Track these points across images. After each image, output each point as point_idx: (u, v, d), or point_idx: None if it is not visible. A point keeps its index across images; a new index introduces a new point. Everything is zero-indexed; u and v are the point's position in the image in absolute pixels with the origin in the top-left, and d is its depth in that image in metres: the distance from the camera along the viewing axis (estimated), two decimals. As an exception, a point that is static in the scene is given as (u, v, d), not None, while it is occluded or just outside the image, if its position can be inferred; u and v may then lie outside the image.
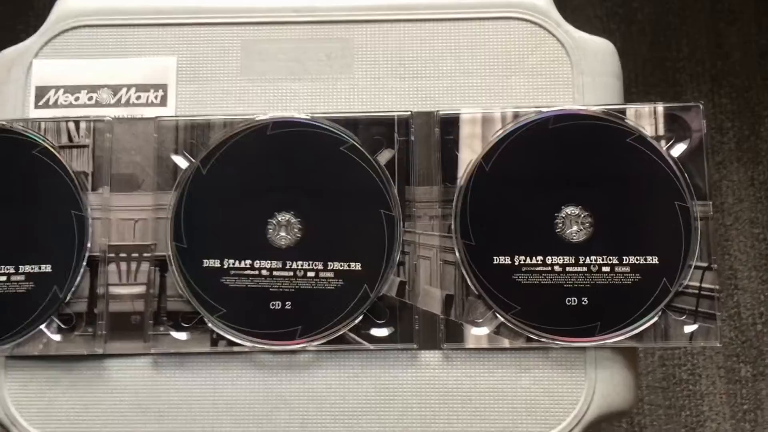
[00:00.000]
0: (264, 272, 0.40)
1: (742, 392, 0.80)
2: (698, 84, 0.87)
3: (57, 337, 0.40)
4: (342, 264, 0.40)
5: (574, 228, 0.39)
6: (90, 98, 0.43)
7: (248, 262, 0.40)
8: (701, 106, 0.40)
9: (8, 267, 0.40)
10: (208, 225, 0.40)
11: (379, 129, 0.41)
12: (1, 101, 0.43)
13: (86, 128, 0.42)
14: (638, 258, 0.38)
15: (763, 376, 0.80)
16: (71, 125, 0.42)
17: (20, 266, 0.40)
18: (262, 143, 0.41)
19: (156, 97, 0.43)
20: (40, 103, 0.43)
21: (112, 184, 0.41)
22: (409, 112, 0.41)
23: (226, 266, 0.40)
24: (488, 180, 0.40)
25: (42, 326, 0.40)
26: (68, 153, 0.42)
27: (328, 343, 0.39)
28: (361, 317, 0.39)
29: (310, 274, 0.40)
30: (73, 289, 0.40)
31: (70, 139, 0.42)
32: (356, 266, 0.40)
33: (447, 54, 0.43)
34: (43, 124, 0.42)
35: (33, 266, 0.40)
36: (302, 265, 0.40)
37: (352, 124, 0.41)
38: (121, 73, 0.43)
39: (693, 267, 0.38)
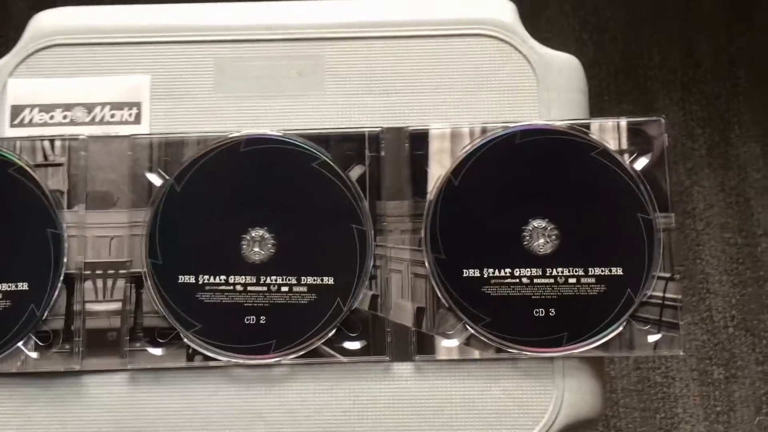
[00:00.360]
0: (238, 287, 0.40)
1: (715, 394, 0.81)
2: (669, 92, 0.88)
3: (34, 355, 0.40)
4: (315, 278, 0.40)
5: (541, 240, 0.39)
6: (65, 117, 0.43)
7: (223, 277, 0.40)
8: (663, 120, 0.40)
9: (-16, 285, 0.40)
10: (183, 241, 0.40)
11: (351, 145, 0.41)
12: None
13: (61, 146, 0.42)
14: (603, 269, 0.39)
15: (735, 378, 0.81)
16: (46, 144, 0.42)
17: (-4, 285, 0.40)
18: (235, 160, 0.41)
19: (130, 115, 0.43)
20: (15, 122, 0.43)
21: (87, 201, 0.41)
22: (379, 128, 0.41)
23: (201, 282, 0.40)
24: (457, 194, 0.40)
25: (19, 344, 0.40)
26: (43, 171, 0.42)
27: (303, 356, 0.39)
28: (334, 331, 0.39)
29: (284, 288, 0.40)
30: (50, 306, 0.40)
31: (45, 157, 0.42)
32: (329, 280, 0.40)
33: (416, 70, 0.43)
34: (18, 143, 0.42)
35: (9, 284, 0.40)
36: (276, 280, 0.40)
37: (323, 140, 0.41)
38: (96, 92, 0.43)
39: (656, 278, 0.39)
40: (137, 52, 0.44)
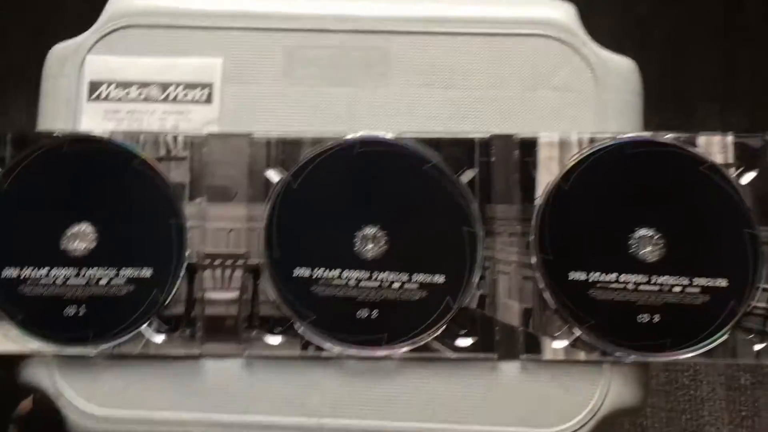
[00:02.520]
0: (351, 282, 0.38)
1: (741, 399, 0.78)
2: (709, 102, 0.84)
3: (157, 338, 0.38)
4: (426, 276, 0.38)
5: (648, 249, 0.37)
6: (140, 94, 0.41)
7: (337, 272, 0.38)
8: (768, 136, 0.38)
9: (110, 270, 0.39)
10: (299, 236, 0.39)
11: (461, 150, 0.39)
12: (55, 94, 0.42)
13: (183, 142, 0.40)
14: (708, 280, 0.37)
15: (762, 384, 0.79)
16: (169, 138, 0.40)
17: (121, 270, 0.39)
18: (350, 160, 0.39)
19: (202, 95, 0.41)
20: (93, 97, 0.41)
21: (207, 195, 0.40)
22: (489, 135, 0.39)
23: (315, 276, 0.38)
24: (566, 200, 0.38)
25: (143, 327, 0.38)
26: (166, 165, 0.40)
27: (412, 351, 0.38)
28: (443, 327, 0.38)
29: (396, 285, 0.38)
30: (172, 293, 0.39)
31: (168, 151, 0.40)
32: (439, 279, 0.38)
33: (477, 66, 0.41)
34: (142, 137, 0.40)
35: (134, 270, 0.39)
36: (388, 277, 0.38)
37: (435, 144, 0.39)
38: (170, 71, 0.42)
39: (761, 289, 0.37)
40: (211, 36, 0.42)
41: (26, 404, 0.71)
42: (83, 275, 0.39)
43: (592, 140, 0.39)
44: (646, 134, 0.39)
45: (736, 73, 0.87)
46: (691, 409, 0.77)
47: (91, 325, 0.38)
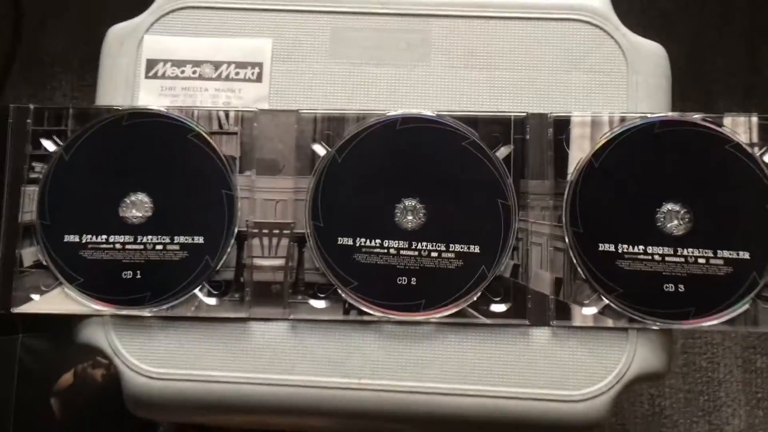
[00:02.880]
0: (392, 251, 0.40)
1: (757, 381, 0.79)
2: (730, 95, 0.85)
3: (209, 301, 0.40)
4: (462, 246, 0.40)
5: (675, 222, 0.39)
6: (194, 72, 0.43)
7: (378, 241, 0.40)
8: (791, 118, 0.39)
9: (165, 237, 0.41)
10: (343, 207, 0.41)
11: (497, 127, 0.41)
12: (114, 71, 0.44)
13: (235, 117, 0.42)
14: (731, 252, 0.38)
15: (778, 367, 0.80)
16: (221, 114, 0.42)
17: (176, 237, 0.41)
18: (391, 136, 0.41)
19: (253, 74, 0.43)
20: (150, 74, 0.43)
21: (257, 167, 0.41)
22: (524, 113, 0.41)
23: (357, 244, 0.40)
24: (596, 176, 0.40)
25: (195, 291, 0.40)
26: (218, 139, 0.42)
27: (449, 316, 0.39)
28: (479, 294, 0.39)
29: (434, 254, 0.40)
30: (222, 259, 0.41)
31: (220, 126, 0.42)
32: (475, 249, 0.40)
33: (514, 49, 0.43)
34: (196, 112, 0.42)
35: (187, 237, 0.41)
36: (426, 246, 0.40)
37: (472, 122, 0.41)
38: (222, 51, 0.43)
39: (781, 262, 0.38)
40: (261, 18, 0.44)
41: (67, 378, 0.73)
42: (140, 241, 0.41)
43: (622, 119, 0.40)
44: (675, 114, 0.40)
45: (759, 69, 0.88)
46: (708, 391, 0.78)
47: (146, 288, 0.40)
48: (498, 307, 0.39)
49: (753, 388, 0.79)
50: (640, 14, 0.86)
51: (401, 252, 0.40)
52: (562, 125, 0.41)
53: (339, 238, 0.40)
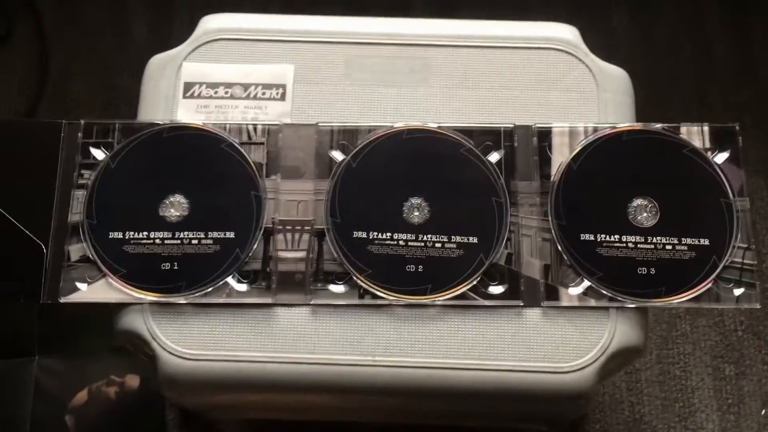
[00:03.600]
0: (401, 243, 0.44)
1: (727, 388, 0.83)
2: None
3: (239, 288, 0.44)
4: (462, 238, 0.44)
5: (644, 215, 0.44)
6: (226, 92, 0.49)
7: (388, 234, 0.44)
8: (737, 127, 0.45)
9: (199, 233, 0.45)
10: (357, 205, 0.45)
11: (489, 137, 0.46)
12: (156, 92, 0.49)
13: (262, 130, 0.47)
14: (694, 240, 0.43)
15: (744, 375, 0.84)
16: (250, 127, 0.47)
17: (209, 232, 0.45)
18: (399, 144, 0.46)
19: (277, 94, 0.48)
20: (187, 95, 0.48)
21: (281, 173, 0.46)
22: (512, 125, 0.46)
23: (371, 237, 0.44)
24: (576, 177, 0.45)
25: (228, 279, 0.44)
26: (248, 148, 0.47)
27: (452, 299, 0.43)
28: (478, 279, 0.44)
29: (438, 245, 0.44)
30: (251, 252, 0.45)
31: (249, 137, 0.47)
32: (473, 240, 0.44)
33: (501, 73, 0.49)
34: (228, 126, 0.47)
35: (220, 233, 0.45)
36: (431, 238, 0.44)
37: (468, 132, 0.46)
38: (251, 75, 0.49)
39: (736, 247, 0.43)
40: (285, 48, 0.50)
41: (82, 396, 0.74)
42: (177, 237, 0.45)
43: (595, 129, 0.46)
44: (639, 124, 0.46)
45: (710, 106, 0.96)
46: (683, 398, 0.81)
47: (183, 278, 0.44)
48: (495, 290, 0.44)
49: (723, 395, 0.82)
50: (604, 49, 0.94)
51: (409, 243, 0.44)
52: (545, 134, 0.46)
53: (354, 232, 0.45)
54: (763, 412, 0.83)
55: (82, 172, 0.46)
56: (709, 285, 0.42)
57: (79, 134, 0.47)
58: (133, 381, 0.74)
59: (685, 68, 0.97)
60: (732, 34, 0.96)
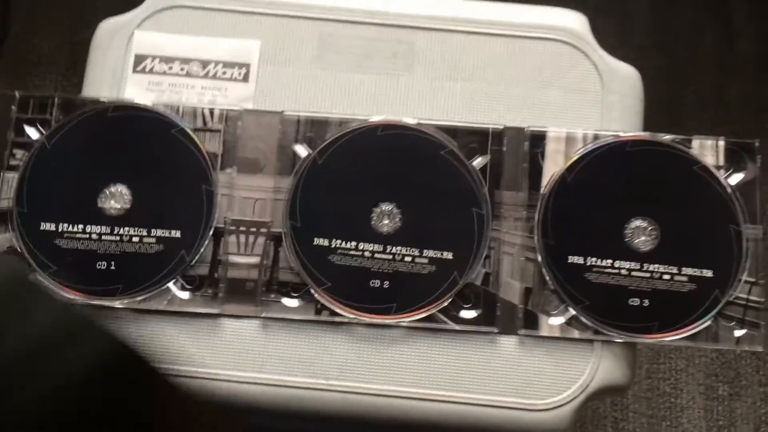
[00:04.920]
0: (367, 254, 0.40)
1: (719, 409, 0.79)
2: (699, 128, 0.86)
3: (182, 295, 0.39)
4: (436, 252, 0.39)
5: (641, 238, 0.39)
6: (182, 69, 0.43)
7: (353, 243, 0.40)
8: (757, 144, 0.40)
9: (141, 230, 0.40)
10: (320, 208, 0.40)
11: (475, 138, 0.41)
12: (103, 64, 0.44)
13: (219, 115, 0.42)
14: (695, 270, 0.39)
15: (738, 396, 0.80)
16: (206, 111, 0.42)
17: (152, 230, 0.40)
18: (372, 141, 0.41)
19: (239, 74, 0.43)
20: (138, 69, 0.43)
21: (238, 165, 0.41)
22: (502, 126, 0.41)
23: (333, 246, 0.40)
24: (569, 190, 0.40)
25: (169, 284, 0.39)
26: (202, 135, 0.41)
27: (419, 321, 0.39)
28: (449, 300, 0.39)
29: (407, 258, 0.39)
30: (198, 254, 0.40)
31: (204, 123, 0.42)
32: (448, 255, 0.39)
33: (495, 64, 0.44)
34: (181, 108, 0.42)
35: (164, 231, 0.40)
36: (401, 251, 0.40)
37: (451, 131, 0.41)
38: (211, 50, 0.44)
39: (742, 281, 0.38)
40: (251, 20, 0.44)
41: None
42: (116, 233, 0.40)
43: (595, 137, 0.41)
44: (646, 134, 0.41)
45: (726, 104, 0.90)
46: (671, 416, 0.77)
47: (120, 279, 0.40)
48: (468, 314, 0.39)
49: (714, 416, 0.79)
50: (618, 47, 0.88)
51: (375, 255, 0.40)
52: (538, 139, 0.41)
53: (315, 239, 0.40)
54: (755, 437, 0.80)
55: (14, 151, 0.41)
56: (708, 323, 0.38)
57: (13, 107, 0.42)
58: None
59: (703, 60, 0.91)
60: (760, 25, 0.89)
